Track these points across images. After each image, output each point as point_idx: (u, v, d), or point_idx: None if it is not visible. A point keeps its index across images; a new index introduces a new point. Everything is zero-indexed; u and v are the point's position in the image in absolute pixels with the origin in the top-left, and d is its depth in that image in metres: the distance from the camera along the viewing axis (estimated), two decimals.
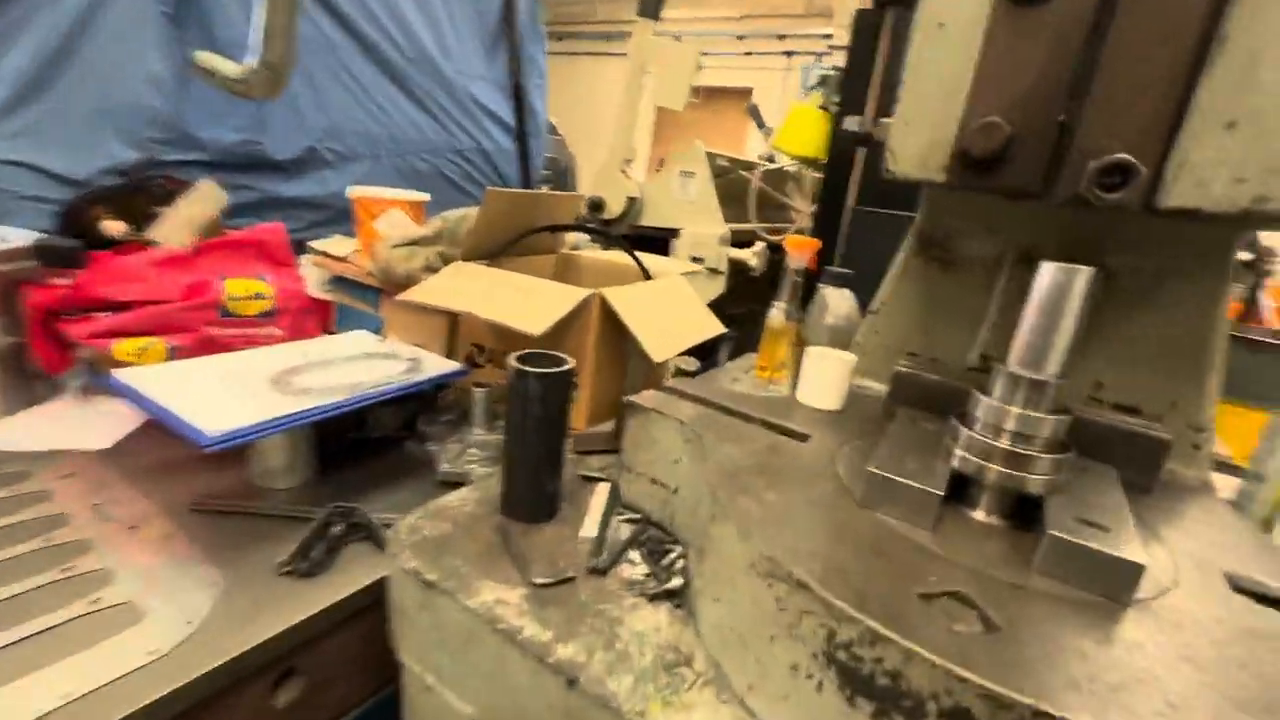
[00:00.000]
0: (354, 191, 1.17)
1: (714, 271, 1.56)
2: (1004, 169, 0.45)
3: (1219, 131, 0.41)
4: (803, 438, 0.64)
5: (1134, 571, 0.41)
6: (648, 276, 1.10)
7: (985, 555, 0.46)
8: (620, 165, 1.64)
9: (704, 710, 0.45)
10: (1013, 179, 0.45)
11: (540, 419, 0.63)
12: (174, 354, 0.84)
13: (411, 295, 0.90)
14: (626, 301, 0.91)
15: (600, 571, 0.59)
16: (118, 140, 1.36)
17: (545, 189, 2.19)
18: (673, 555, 0.61)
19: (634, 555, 0.62)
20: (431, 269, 1.00)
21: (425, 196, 1.19)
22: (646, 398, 0.68)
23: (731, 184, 1.77)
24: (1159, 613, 0.42)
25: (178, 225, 0.90)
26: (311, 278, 1.21)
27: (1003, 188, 0.47)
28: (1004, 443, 0.50)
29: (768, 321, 0.81)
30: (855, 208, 1.56)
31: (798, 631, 0.41)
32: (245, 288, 0.90)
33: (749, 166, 1.91)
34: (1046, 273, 0.48)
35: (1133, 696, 0.34)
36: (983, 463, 0.50)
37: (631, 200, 1.66)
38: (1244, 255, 1.69)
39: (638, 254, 1.11)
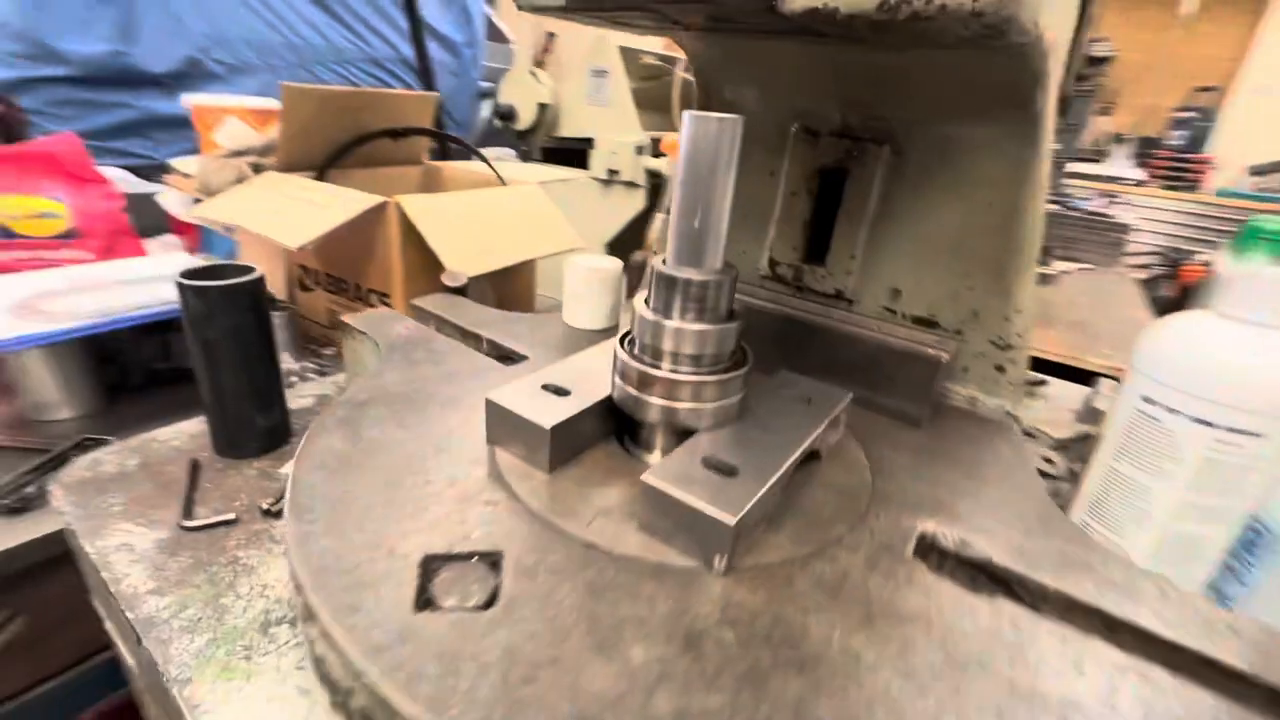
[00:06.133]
0: (190, 99, 1.07)
1: (631, 185, 1.41)
2: None
3: None
4: (519, 359, 0.53)
5: (722, 532, 0.30)
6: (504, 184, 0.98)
7: (596, 505, 0.36)
8: (530, 65, 1.47)
9: (265, 679, 0.38)
10: None
11: (218, 341, 0.55)
12: None
13: (195, 211, 0.81)
14: (431, 211, 0.80)
15: (273, 513, 0.52)
16: None
17: (487, 104, 2.03)
18: None
19: None
20: (243, 181, 0.90)
21: (270, 103, 1.08)
22: (359, 317, 0.58)
23: (665, 88, 1.56)
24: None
25: None
26: (171, 199, 1.14)
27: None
28: (664, 366, 0.39)
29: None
30: None
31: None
32: (26, 205, 0.83)
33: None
34: (688, 125, 0.35)
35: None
36: (638, 394, 0.39)
37: (543, 107, 1.49)
38: None
39: (492, 160, 0.99)
